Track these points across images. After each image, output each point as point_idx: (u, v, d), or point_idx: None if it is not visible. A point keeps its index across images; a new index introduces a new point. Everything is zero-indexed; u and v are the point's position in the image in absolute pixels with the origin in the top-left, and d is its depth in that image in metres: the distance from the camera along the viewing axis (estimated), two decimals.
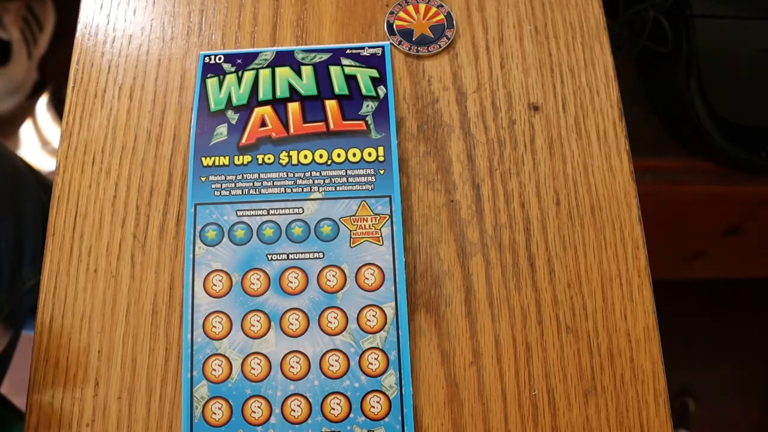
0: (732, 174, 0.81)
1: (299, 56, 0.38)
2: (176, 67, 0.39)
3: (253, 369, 0.33)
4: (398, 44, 0.39)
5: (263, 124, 0.36)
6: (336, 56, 0.38)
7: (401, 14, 0.40)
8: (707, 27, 0.73)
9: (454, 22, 0.39)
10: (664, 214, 0.85)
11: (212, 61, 0.38)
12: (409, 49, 0.39)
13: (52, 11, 1.19)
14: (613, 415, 0.33)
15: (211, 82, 0.37)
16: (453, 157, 0.37)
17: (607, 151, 0.37)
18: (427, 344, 0.34)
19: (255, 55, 0.38)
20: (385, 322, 0.33)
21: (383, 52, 0.38)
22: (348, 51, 0.38)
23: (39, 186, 0.60)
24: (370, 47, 0.38)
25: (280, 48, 0.39)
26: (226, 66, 0.38)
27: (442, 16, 0.39)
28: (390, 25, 0.39)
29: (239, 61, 0.38)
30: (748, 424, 1.16)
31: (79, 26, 0.40)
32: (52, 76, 1.19)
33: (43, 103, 1.17)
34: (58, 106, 1.16)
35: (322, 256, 0.34)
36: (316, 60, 0.38)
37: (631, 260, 0.35)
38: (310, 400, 0.32)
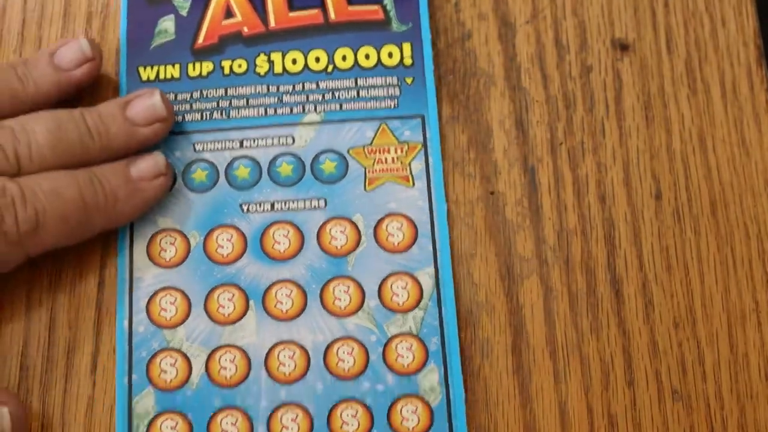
0: None
1: None
2: None
3: (224, 369, 0.28)
4: None
5: (229, 14, 0.31)
6: None
7: None
8: None
9: None
10: None
11: None
12: None
13: None
14: None
15: None
16: (494, 125, 0.31)
17: (737, 115, 0.30)
18: None
19: None
20: (421, 296, 0.28)
21: None
22: None
23: None
24: None
25: None
26: None
27: None
28: None
29: None
30: None
31: None
32: None
33: None
34: None
35: (323, 204, 0.30)
36: None
37: None
38: (311, 411, 0.27)
